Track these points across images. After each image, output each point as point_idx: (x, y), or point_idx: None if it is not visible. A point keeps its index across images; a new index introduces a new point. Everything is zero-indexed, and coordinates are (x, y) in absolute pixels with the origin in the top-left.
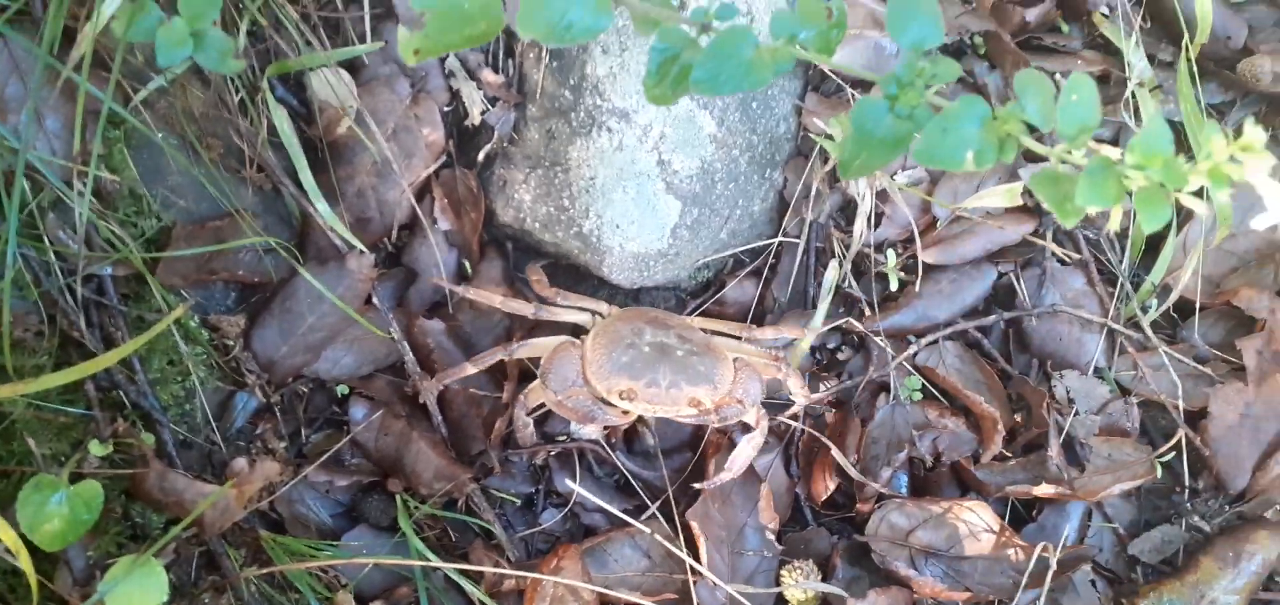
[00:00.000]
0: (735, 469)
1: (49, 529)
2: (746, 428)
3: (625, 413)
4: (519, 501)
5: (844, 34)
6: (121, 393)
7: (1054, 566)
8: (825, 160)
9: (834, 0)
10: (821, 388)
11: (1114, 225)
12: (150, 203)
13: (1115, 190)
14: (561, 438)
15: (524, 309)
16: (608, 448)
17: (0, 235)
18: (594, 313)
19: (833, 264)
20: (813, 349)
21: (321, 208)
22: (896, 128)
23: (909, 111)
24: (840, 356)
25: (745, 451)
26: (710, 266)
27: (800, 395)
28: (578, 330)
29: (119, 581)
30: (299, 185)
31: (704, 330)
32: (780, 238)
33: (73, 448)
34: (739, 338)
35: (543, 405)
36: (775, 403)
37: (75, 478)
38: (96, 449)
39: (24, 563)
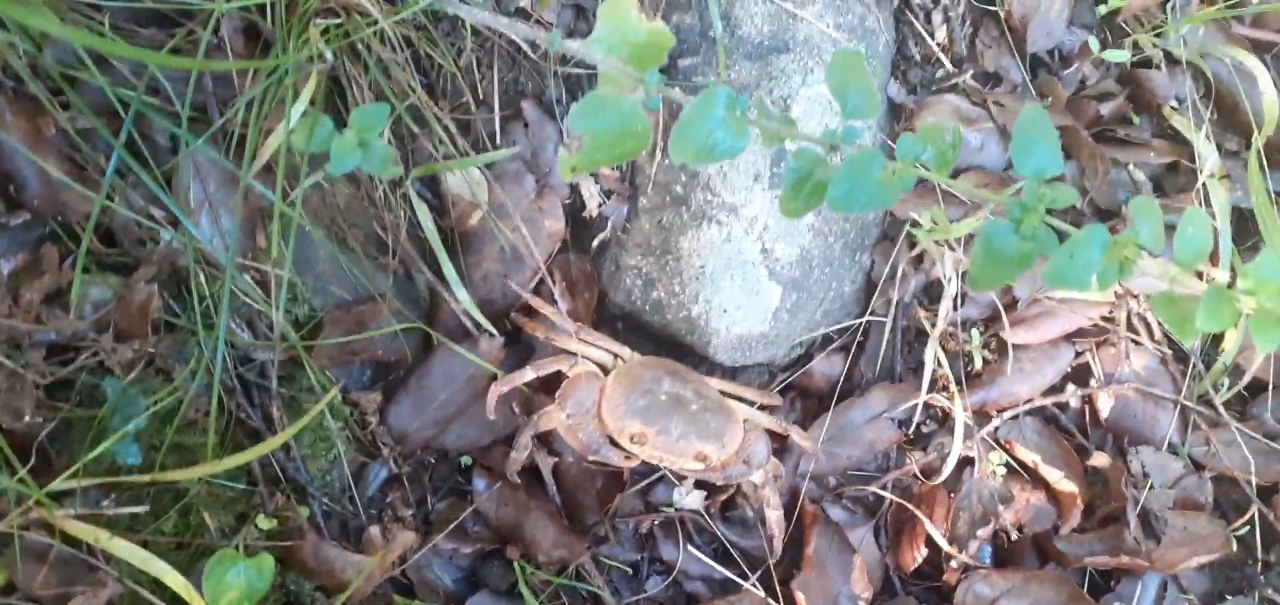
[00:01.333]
0: (777, 536)
1: (228, 599)
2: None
3: (629, 456)
4: (626, 569)
5: (958, 153)
6: (278, 468)
7: None
8: (911, 244)
9: (949, 125)
10: (906, 462)
11: (1230, 348)
12: (303, 291)
13: (1231, 315)
14: (666, 507)
15: (569, 328)
16: (708, 517)
17: (184, 328)
18: (617, 355)
19: (931, 341)
20: (899, 423)
21: (461, 295)
22: (1021, 248)
23: (1032, 233)
24: (925, 430)
25: (774, 517)
26: (803, 344)
27: (803, 442)
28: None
29: None
30: (437, 272)
31: (722, 391)
32: (868, 316)
33: (237, 520)
34: (754, 403)
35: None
36: (862, 475)
37: (246, 550)
38: (263, 523)
39: None
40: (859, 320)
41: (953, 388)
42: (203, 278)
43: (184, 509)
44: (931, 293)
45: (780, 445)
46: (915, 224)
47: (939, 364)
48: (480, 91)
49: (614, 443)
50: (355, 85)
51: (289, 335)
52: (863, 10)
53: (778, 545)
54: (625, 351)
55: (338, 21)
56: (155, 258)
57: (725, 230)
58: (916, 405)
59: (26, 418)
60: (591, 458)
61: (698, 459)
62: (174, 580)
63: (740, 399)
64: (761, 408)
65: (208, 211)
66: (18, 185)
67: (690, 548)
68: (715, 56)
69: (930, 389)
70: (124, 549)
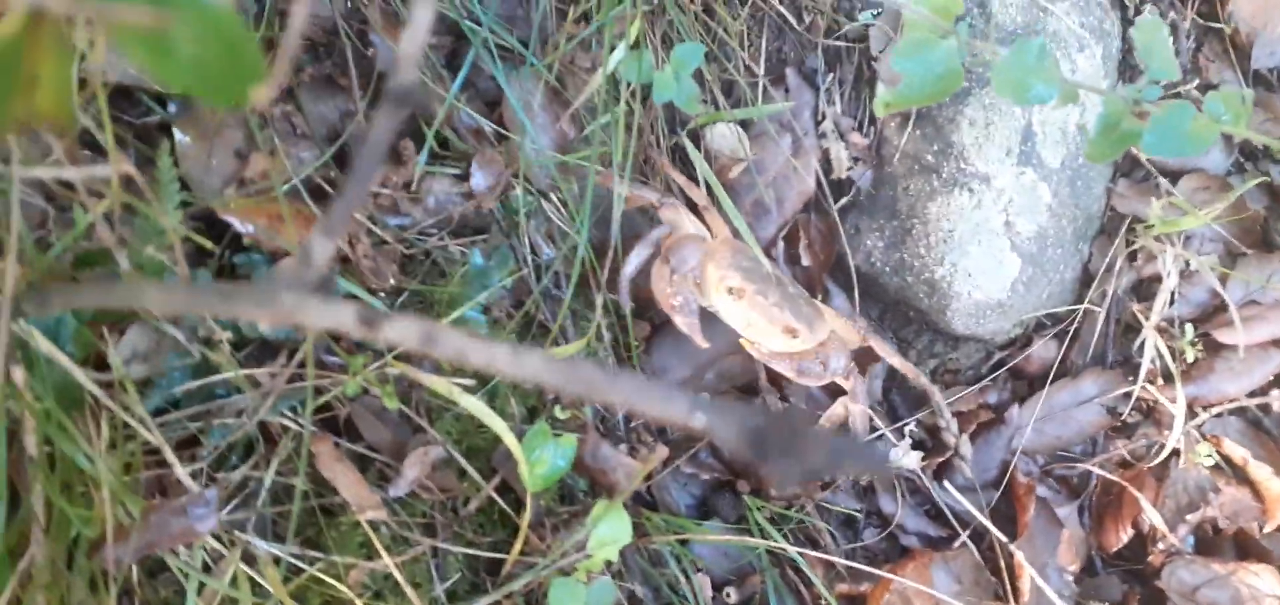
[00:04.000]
0: (859, 428)
1: (537, 472)
2: (838, 391)
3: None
4: (845, 515)
5: (1250, 114)
6: None
7: None
8: (1128, 241)
9: (1245, 91)
10: (1113, 447)
11: None
12: (583, 215)
13: None
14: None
15: (653, 194)
16: (923, 477)
17: (492, 239)
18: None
19: (1147, 332)
20: (1108, 409)
21: (741, 225)
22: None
23: None
24: (1130, 420)
25: (857, 410)
26: (1023, 324)
27: (886, 353)
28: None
29: (598, 521)
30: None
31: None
32: (1086, 305)
33: (529, 412)
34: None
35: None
36: (1068, 456)
37: None
38: (559, 412)
39: (527, 491)
40: (1078, 307)
41: (1174, 375)
42: (520, 192)
43: (491, 393)
44: (1141, 292)
45: (996, 417)
46: (1137, 220)
47: (1157, 355)
48: (748, 56)
49: (703, 310)
50: (649, 38)
51: (588, 255)
52: (1101, 13)
53: (858, 433)
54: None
55: None
56: (492, 158)
57: (976, 197)
58: (1129, 394)
59: (389, 281)
60: (676, 318)
61: (786, 332)
62: (510, 440)
63: None
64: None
65: (530, 130)
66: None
67: (907, 502)
68: (974, 35)
69: (1142, 381)
70: (473, 405)
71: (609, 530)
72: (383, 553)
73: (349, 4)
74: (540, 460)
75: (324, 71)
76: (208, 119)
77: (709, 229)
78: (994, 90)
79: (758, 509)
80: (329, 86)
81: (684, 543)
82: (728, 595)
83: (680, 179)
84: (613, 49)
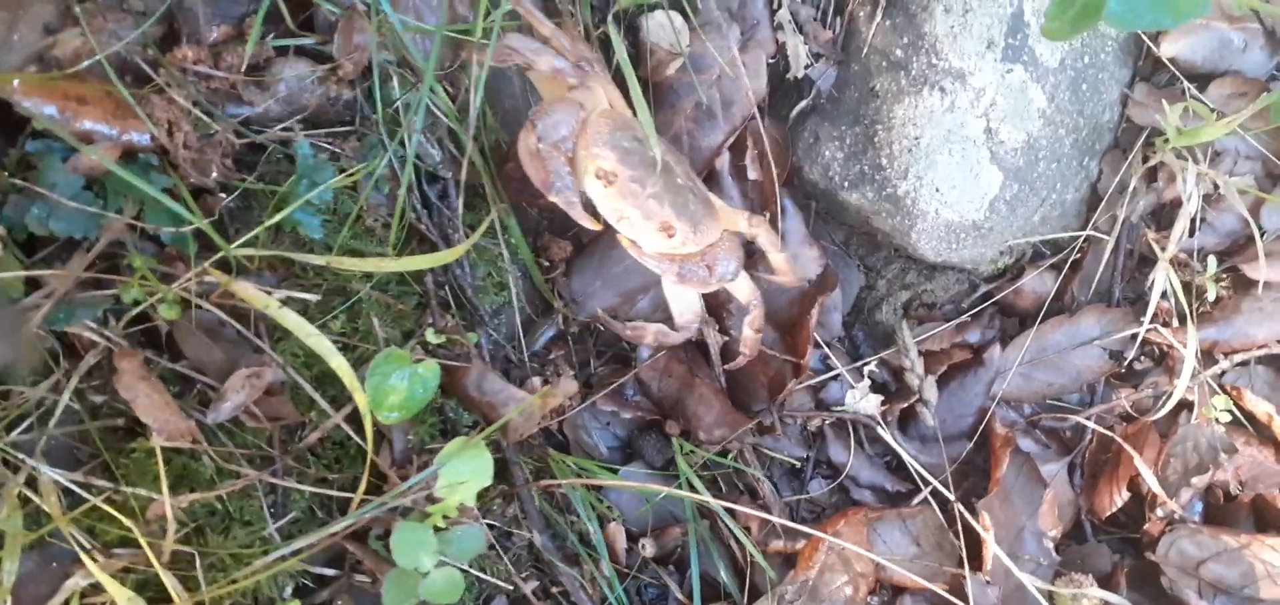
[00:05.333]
0: (749, 350)
1: (390, 402)
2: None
3: (592, 216)
4: (792, 462)
5: None
6: (451, 293)
7: None
8: (1145, 157)
9: None
10: (1114, 397)
11: None
12: (491, 120)
13: None
14: (837, 407)
15: (566, 56)
16: (883, 424)
17: (372, 129)
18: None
19: (1160, 265)
20: (1111, 354)
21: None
22: None
23: None
24: (1137, 367)
25: (748, 334)
26: (1012, 251)
27: (781, 268)
28: None
29: (452, 458)
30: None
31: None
32: (1089, 231)
33: (403, 337)
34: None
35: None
36: (1061, 406)
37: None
38: (432, 336)
39: (366, 425)
40: (1079, 234)
41: (1188, 318)
42: (396, 82)
43: (352, 312)
44: (1162, 219)
45: (974, 357)
46: (1156, 133)
47: (1167, 293)
48: None
49: (580, 190)
50: None
51: (476, 160)
52: None
53: (741, 360)
54: (624, 108)
55: None
56: (354, 48)
57: (948, 99)
58: (1135, 336)
59: (214, 175)
60: (551, 197)
61: (662, 230)
62: (338, 364)
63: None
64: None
65: (412, 8)
66: None
67: (862, 452)
68: None
69: (1151, 321)
70: (293, 322)
71: (463, 469)
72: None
73: None
74: (393, 389)
75: None
76: None
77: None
78: None
79: (687, 452)
80: None
81: (598, 490)
82: (643, 547)
83: (546, 27)
84: None
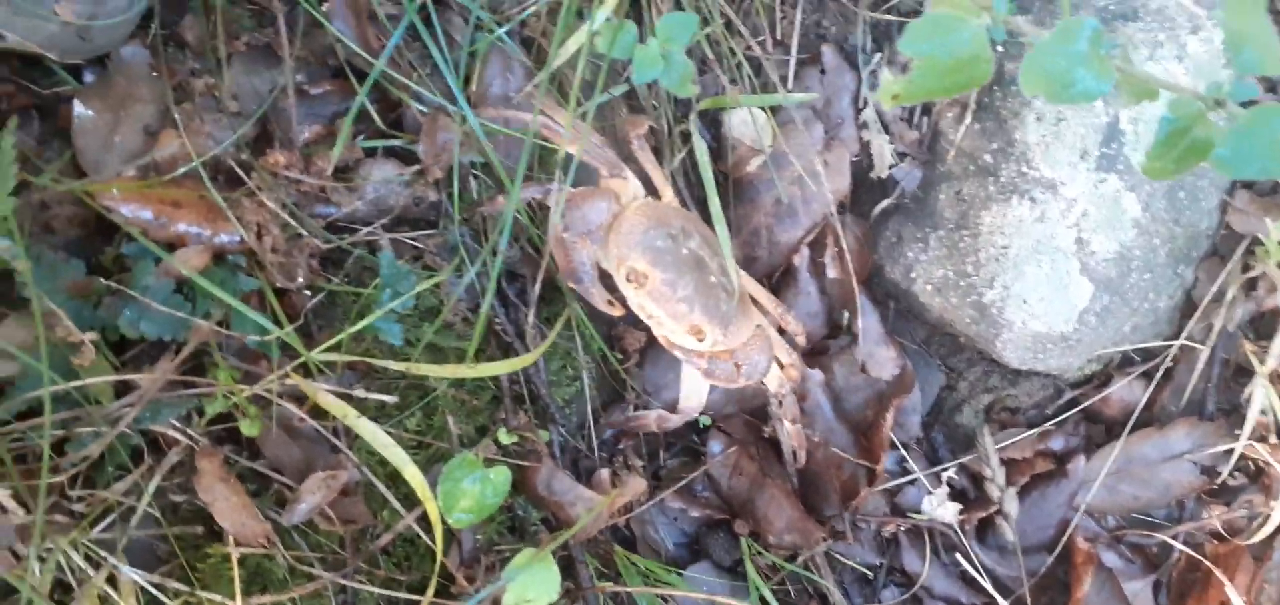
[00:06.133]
0: (798, 444)
1: (462, 506)
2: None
3: (613, 302)
4: (864, 572)
5: None
6: (524, 388)
7: None
8: (1245, 266)
9: None
10: (1205, 515)
11: None
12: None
13: None
14: (915, 514)
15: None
16: (960, 533)
17: (453, 227)
18: (654, 191)
19: (1258, 378)
20: (1203, 469)
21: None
22: None
23: None
24: (1231, 483)
25: (789, 428)
26: (1099, 360)
27: (791, 369)
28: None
29: (519, 572)
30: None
31: (743, 288)
32: (1183, 341)
33: (477, 432)
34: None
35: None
36: (1148, 520)
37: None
38: (504, 436)
39: (437, 533)
40: (1171, 343)
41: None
42: (475, 184)
43: (429, 408)
44: (1261, 329)
45: (1057, 467)
46: (1257, 241)
47: (1265, 408)
48: (779, 30)
49: (603, 277)
50: (655, 6)
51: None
52: None
53: (800, 456)
54: (666, 190)
55: None
56: (439, 150)
57: (1039, 208)
58: (1229, 451)
59: (299, 280)
60: (573, 284)
61: (692, 332)
62: (411, 473)
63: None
64: (781, 332)
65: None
66: (331, 56)
67: (938, 561)
68: (1048, 14)
69: (1248, 436)
70: (369, 431)
71: (531, 583)
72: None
73: None
74: (464, 492)
75: (263, 40)
76: (119, 91)
77: (653, 190)
78: (1021, 86)
79: (756, 555)
80: (267, 57)
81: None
82: None
83: (559, 116)
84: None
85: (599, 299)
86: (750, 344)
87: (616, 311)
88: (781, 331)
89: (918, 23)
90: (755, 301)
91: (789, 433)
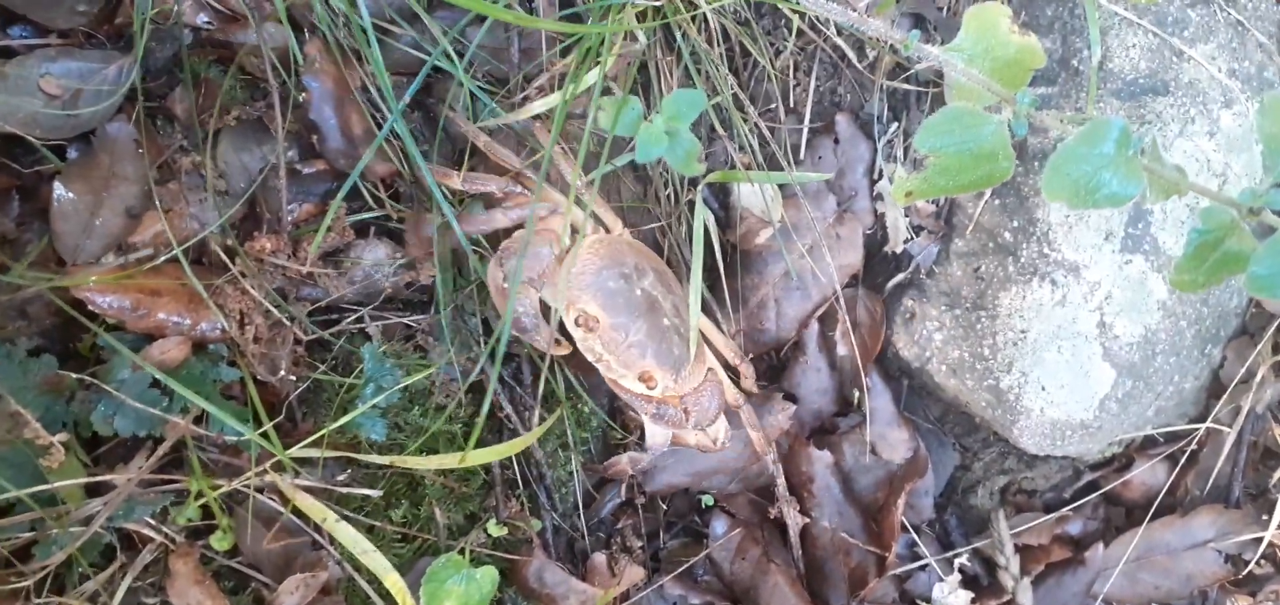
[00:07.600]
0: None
1: None
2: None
3: (559, 343)
4: None
5: None
6: (517, 473)
7: None
8: (1276, 346)
9: None
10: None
11: None
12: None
13: None
14: (924, 601)
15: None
16: None
17: (446, 307)
18: (604, 226)
19: None
20: (1227, 558)
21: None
22: None
23: None
24: (1257, 572)
25: (704, 440)
26: (1121, 443)
27: (756, 437)
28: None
29: None
30: (710, 289)
31: (700, 326)
32: (1209, 424)
33: (467, 519)
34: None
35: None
36: None
37: (471, 555)
38: (494, 529)
39: None
40: (1197, 426)
41: None
42: (474, 262)
43: (417, 499)
44: None
45: (1074, 553)
46: None
47: None
48: (792, 98)
49: (546, 316)
50: (664, 77)
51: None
52: (1263, 58)
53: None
54: (616, 224)
55: (656, 2)
56: (425, 242)
57: (1060, 291)
58: (1258, 539)
59: (282, 372)
60: (515, 332)
61: (642, 378)
62: (392, 581)
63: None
64: (732, 373)
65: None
66: (320, 135)
67: None
68: (1074, 88)
69: (1278, 524)
70: (349, 537)
71: None
72: None
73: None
74: (449, 594)
75: (255, 114)
76: (102, 169)
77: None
78: (1044, 193)
79: None
80: (257, 132)
81: None
82: None
83: (503, 156)
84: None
85: (544, 342)
86: (701, 389)
87: (563, 350)
88: (728, 367)
89: (935, 118)
90: (703, 335)
91: (701, 442)
